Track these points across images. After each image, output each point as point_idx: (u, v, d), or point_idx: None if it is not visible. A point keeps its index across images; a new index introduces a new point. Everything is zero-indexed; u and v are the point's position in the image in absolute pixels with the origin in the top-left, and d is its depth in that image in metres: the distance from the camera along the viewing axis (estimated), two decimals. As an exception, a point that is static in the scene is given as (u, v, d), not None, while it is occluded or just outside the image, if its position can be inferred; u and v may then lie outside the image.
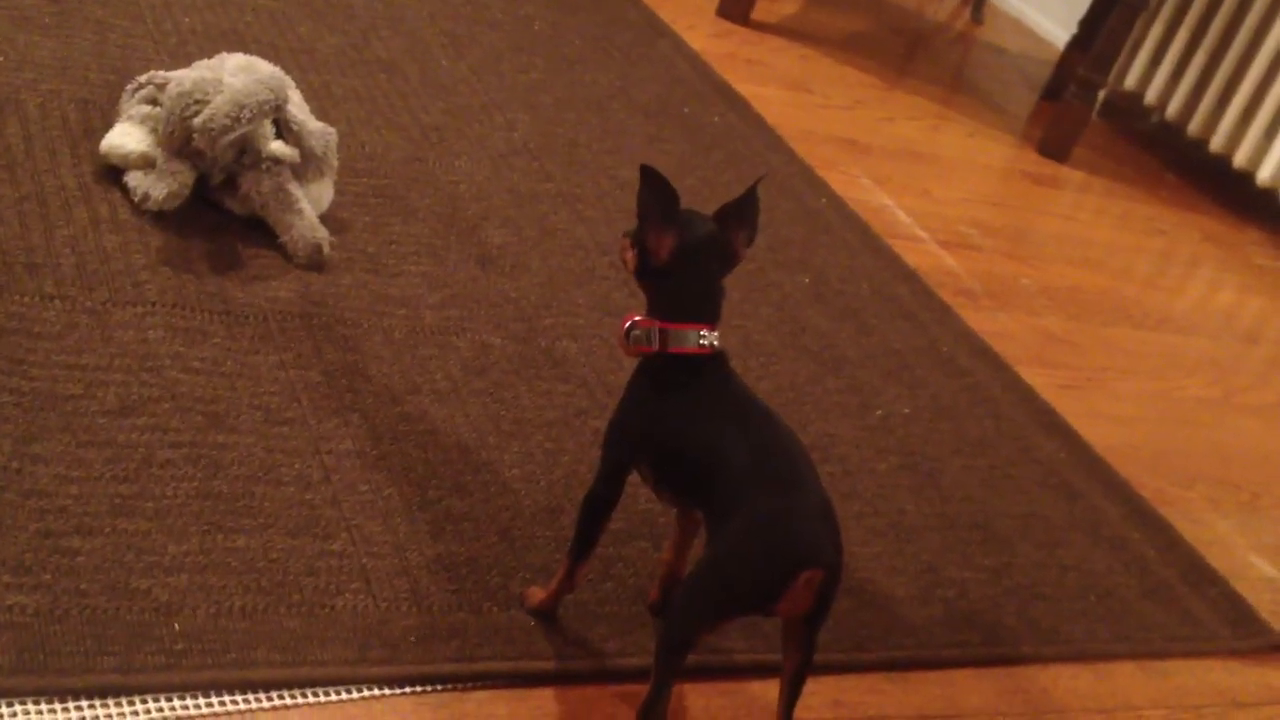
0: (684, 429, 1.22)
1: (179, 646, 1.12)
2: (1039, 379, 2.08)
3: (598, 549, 1.30)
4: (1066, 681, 1.51)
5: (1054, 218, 2.85)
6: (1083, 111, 3.05)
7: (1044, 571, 1.66)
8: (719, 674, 1.32)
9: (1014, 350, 2.14)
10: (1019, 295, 2.38)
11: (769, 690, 1.28)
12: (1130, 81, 3.27)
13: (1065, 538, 1.74)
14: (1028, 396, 2.03)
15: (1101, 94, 3.06)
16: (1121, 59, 3.16)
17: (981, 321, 2.19)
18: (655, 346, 1.23)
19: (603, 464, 1.27)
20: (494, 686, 1.22)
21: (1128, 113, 3.38)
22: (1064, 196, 2.98)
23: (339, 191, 1.80)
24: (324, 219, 1.73)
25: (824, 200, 2.40)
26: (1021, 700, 1.46)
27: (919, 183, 2.69)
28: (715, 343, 1.25)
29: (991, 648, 1.51)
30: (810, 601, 1.14)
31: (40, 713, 1.04)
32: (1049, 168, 3.04)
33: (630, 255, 1.26)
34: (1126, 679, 1.55)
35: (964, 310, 2.20)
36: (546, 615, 1.30)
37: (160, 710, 1.08)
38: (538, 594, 1.30)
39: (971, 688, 1.45)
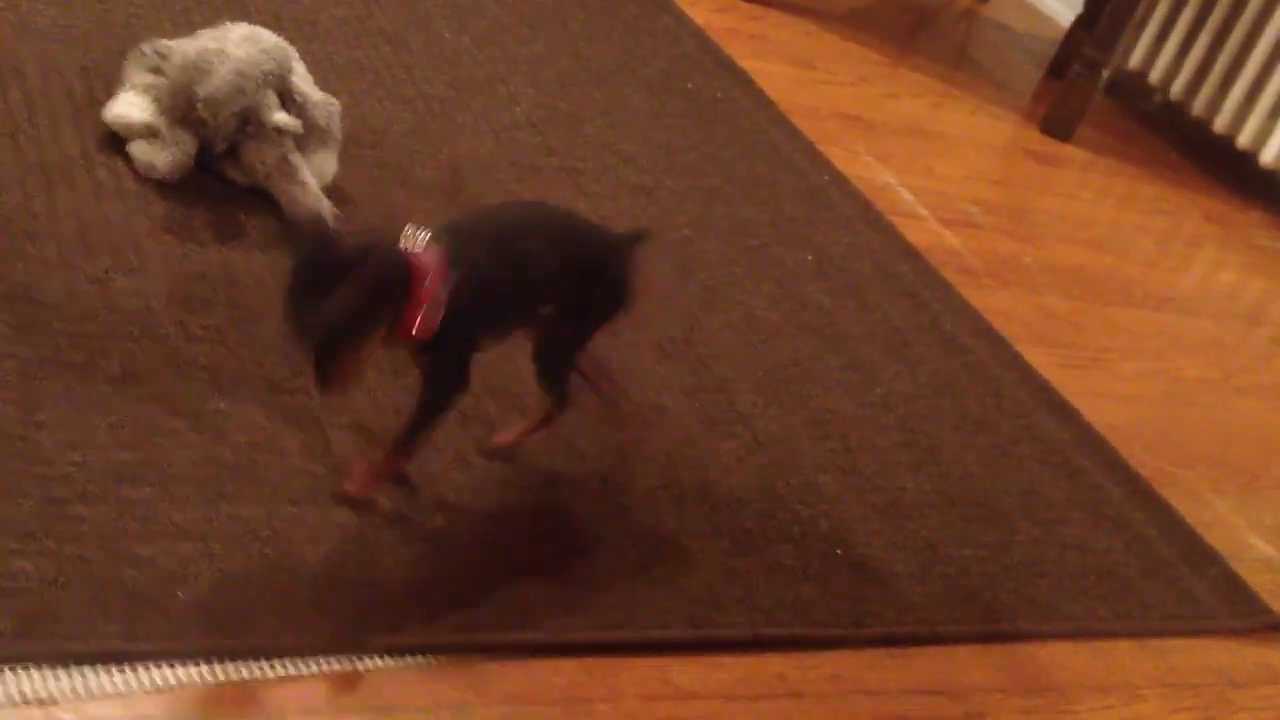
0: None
1: (182, 614, 1.13)
2: (1040, 358, 2.08)
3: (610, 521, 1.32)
4: (1065, 659, 1.52)
5: (1057, 197, 2.84)
6: (1087, 90, 3.04)
7: (1043, 549, 1.66)
8: (716, 649, 1.33)
9: (1015, 329, 2.14)
10: (1021, 274, 2.38)
11: (769, 664, 1.30)
12: (1135, 61, 3.26)
13: (1065, 516, 1.74)
14: (1029, 375, 2.03)
15: (1106, 73, 3.05)
16: (1126, 38, 3.15)
17: (983, 299, 2.19)
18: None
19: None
20: (495, 656, 1.22)
21: (1132, 92, 3.37)
22: (1067, 175, 2.97)
23: (342, 164, 1.79)
24: (327, 191, 1.73)
25: (826, 177, 2.40)
26: (1020, 677, 1.47)
27: (922, 160, 2.68)
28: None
29: (990, 624, 1.51)
30: None
31: (44, 679, 1.04)
32: (1052, 146, 3.03)
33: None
34: (1125, 657, 1.56)
35: (965, 288, 2.20)
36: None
37: (164, 678, 1.08)
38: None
39: (970, 664, 1.45)
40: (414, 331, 1.22)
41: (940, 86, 3.11)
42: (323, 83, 1.84)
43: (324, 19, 2.19)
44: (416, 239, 1.23)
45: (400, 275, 1.20)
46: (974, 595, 1.54)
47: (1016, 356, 2.06)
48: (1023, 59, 3.56)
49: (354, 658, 1.16)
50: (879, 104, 2.87)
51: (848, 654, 1.39)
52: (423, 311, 1.21)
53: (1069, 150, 3.04)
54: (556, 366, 1.42)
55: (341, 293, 1.14)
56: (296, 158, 1.69)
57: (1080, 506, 1.77)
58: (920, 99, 3.00)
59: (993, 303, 2.20)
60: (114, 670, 1.07)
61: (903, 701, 1.37)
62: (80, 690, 1.05)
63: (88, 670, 1.06)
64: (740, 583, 1.41)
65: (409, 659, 1.18)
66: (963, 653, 1.46)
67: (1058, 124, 3.06)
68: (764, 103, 2.58)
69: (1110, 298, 2.45)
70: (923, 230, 2.36)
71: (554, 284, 1.36)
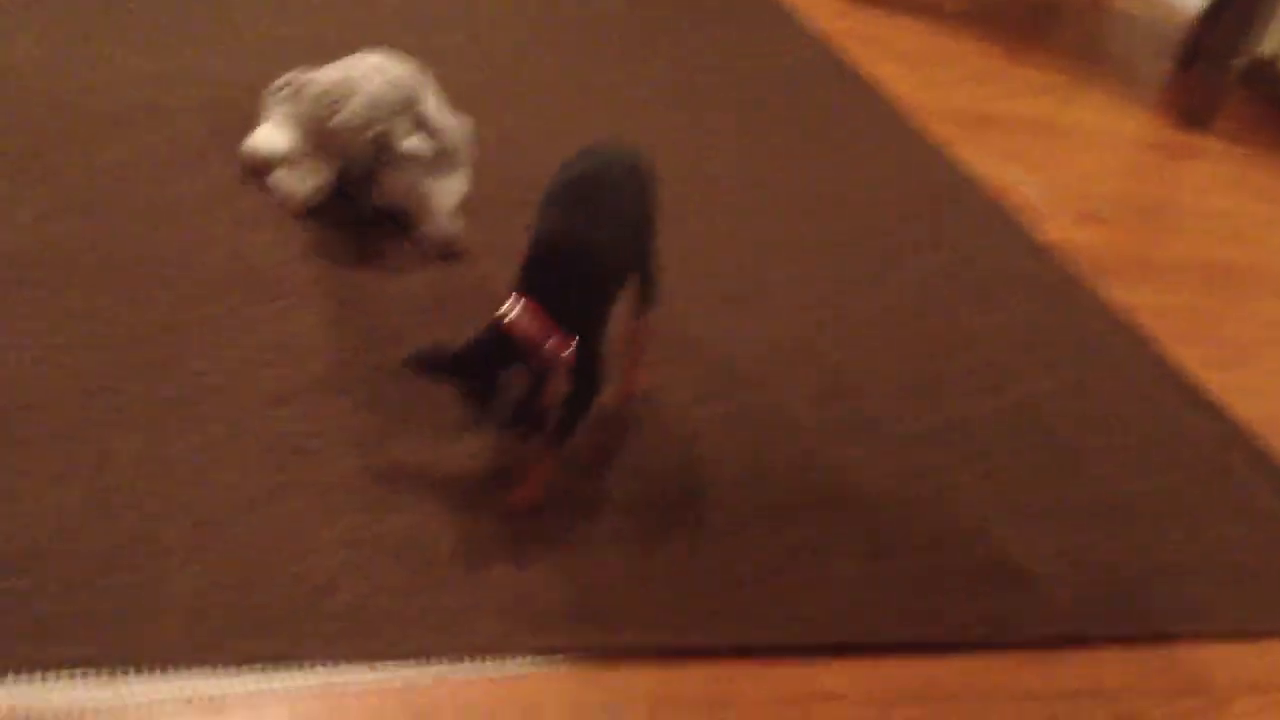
0: None
1: (338, 622, 1.16)
2: (1182, 355, 2.03)
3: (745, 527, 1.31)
4: (1216, 659, 1.48)
5: (1191, 190, 2.77)
6: (1219, 80, 2.96)
7: (1192, 549, 1.62)
8: (858, 652, 1.33)
9: (1154, 326, 2.10)
10: (1156, 270, 2.33)
11: (911, 667, 1.29)
12: (1268, 48, 3.17)
13: (1214, 515, 1.70)
14: (1171, 373, 1.98)
15: (1238, 62, 2.97)
16: (1259, 26, 3.06)
17: (1119, 297, 2.15)
18: None
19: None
20: (640, 659, 1.23)
21: (1266, 79, 3.27)
22: (1201, 168, 2.90)
23: (471, 183, 1.83)
24: (459, 210, 1.77)
25: (952, 178, 2.38)
26: (1170, 678, 1.43)
27: (1050, 157, 2.64)
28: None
29: (1138, 625, 1.48)
30: None
31: (212, 682, 1.09)
32: (1184, 139, 2.96)
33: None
34: (1278, 657, 1.51)
35: (1101, 286, 2.16)
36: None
37: (325, 679, 1.12)
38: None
39: (1117, 665, 1.43)
40: (560, 365, 1.30)
41: (1066, 81, 3.06)
42: (452, 106, 1.88)
43: (451, 42, 2.25)
44: (512, 308, 1.29)
45: (518, 356, 1.29)
46: (1121, 597, 1.51)
47: (1157, 354, 2.02)
48: (1151, 50, 3.48)
49: (504, 660, 1.19)
50: (1004, 101, 2.83)
51: (992, 657, 1.38)
52: (547, 358, 1.29)
53: (1202, 141, 2.96)
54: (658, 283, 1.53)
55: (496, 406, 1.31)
56: (429, 181, 1.73)
57: (1229, 505, 1.72)
58: (1046, 95, 2.96)
59: (1129, 300, 2.16)
60: (278, 673, 1.11)
61: (1051, 704, 1.35)
62: (247, 691, 1.09)
63: (253, 673, 1.10)
64: (879, 587, 1.40)
65: (556, 661, 1.21)
66: (1111, 655, 1.44)
67: (1190, 115, 2.99)
68: (887, 105, 2.57)
69: (1252, 291, 2.38)
70: (1054, 228, 2.32)
71: (653, 222, 1.47)
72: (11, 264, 1.48)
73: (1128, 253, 2.35)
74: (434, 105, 1.80)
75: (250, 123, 1.80)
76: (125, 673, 1.08)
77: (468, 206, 1.80)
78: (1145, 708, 1.38)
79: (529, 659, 1.20)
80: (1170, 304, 2.22)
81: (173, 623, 1.12)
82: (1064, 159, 2.66)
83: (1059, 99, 2.96)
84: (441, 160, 1.77)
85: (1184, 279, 2.33)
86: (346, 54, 1.84)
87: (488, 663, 1.18)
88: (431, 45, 2.22)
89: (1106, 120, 2.95)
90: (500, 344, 1.28)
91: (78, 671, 1.07)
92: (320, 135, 1.71)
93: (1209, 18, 3.26)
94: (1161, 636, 1.48)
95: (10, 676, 1.06)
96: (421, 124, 1.76)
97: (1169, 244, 2.45)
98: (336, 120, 1.68)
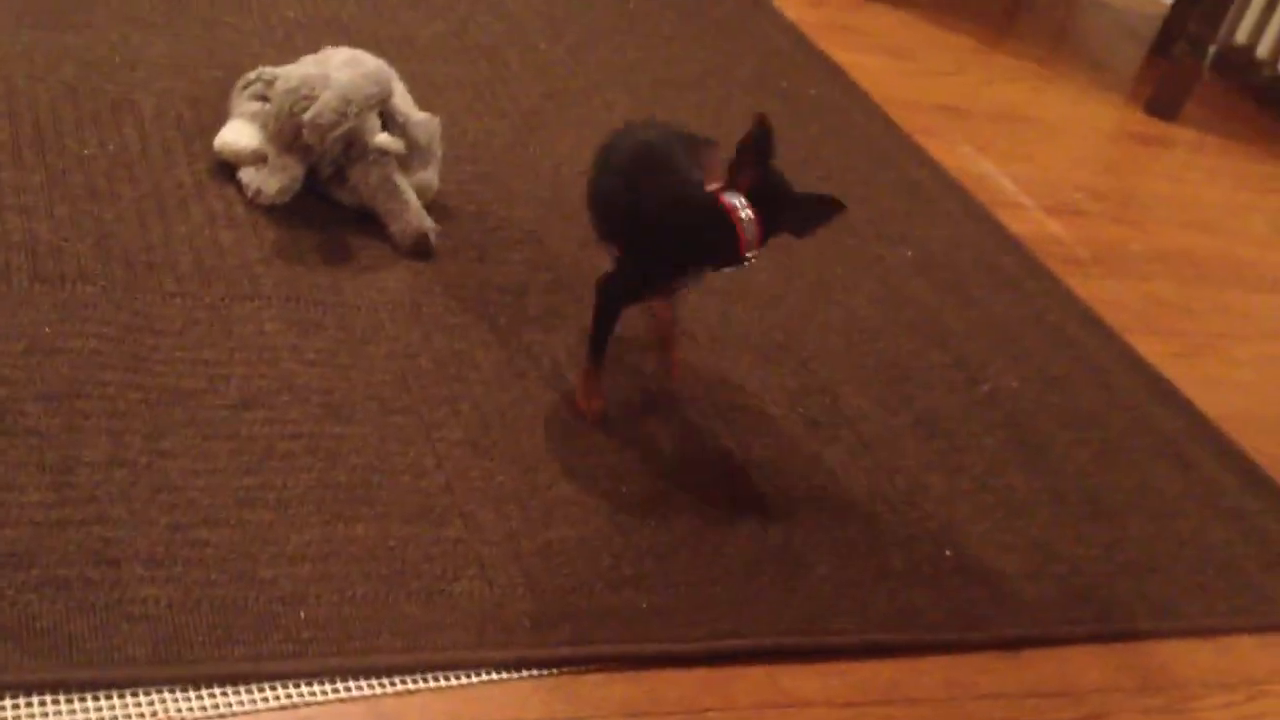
0: None
1: (305, 634, 1.16)
2: (1151, 347, 2.04)
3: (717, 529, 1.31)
4: (1185, 656, 1.49)
5: (1164, 179, 2.78)
6: (1193, 68, 2.97)
7: (1159, 545, 1.63)
8: (828, 656, 1.33)
9: (1125, 318, 2.11)
10: (1129, 261, 2.34)
11: (882, 670, 1.30)
12: (1242, 35, 3.18)
13: (1181, 510, 1.71)
14: (1140, 366, 1.99)
15: (1212, 49, 2.97)
16: (1232, 12, 3.07)
17: (1090, 289, 2.16)
18: None
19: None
20: (608, 669, 1.24)
21: (1240, 67, 3.28)
22: (1174, 157, 2.91)
23: (443, 180, 1.83)
24: (429, 208, 1.76)
25: (925, 170, 2.38)
26: (1139, 676, 1.44)
27: (1022, 148, 2.64)
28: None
29: (1106, 624, 1.49)
30: None
31: (175, 701, 1.08)
32: (1158, 128, 2.96)
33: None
34: (1247, 653, 1.53)
35: (1072, 278, 2.17)
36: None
37: (289, 697, 1.12)
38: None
39: (1087, 664, 1.44)
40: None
41: (1039, 70, 3.06)
42: (422, 100, 1.87)
43: (421, 36, 2.23)
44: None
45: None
46: (1089, 594, 1.52)
47: (1126, 347, 2.03)
48: (1124, 37, 3.49)
49: (470, 673, 1.19)
50: (977, 92, 2.84)
51: (961, 658, 1.39)
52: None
53: (1176, 130, 2.97)
54: None
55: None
56: (399, 178, 1.72)
57: (1195, 499, 1.74)
58: (1019, 84, 2.96)
59: (1100, 292, 2.17)
60: (241, 691, 1.11)
61: (1019, 705, 1.36)
62: (210, 710, 1.09)
63: (217, 691, 1.10)
64: (850, 589, 1.41)
65: (523, 673, 1.21)
66: (1079, 653, 1.45)
67: (1163, 104, 3.00)
68: (859, 97, 2.57)
69: (1223, 281, 2.39)
70: (1026, 220, 2.33)
71: None
72: (-24, 266, 1.46)
73: (1100, 244, 2.36)
74: (403, 100, 1.79)
75: (221, 118, 1.79)
76: (84, 694, 1.06)
77: (438, 204, 1.80)
78: (1113, 706, 1.40)
79: (496, 671, 1.20)
80: (1141, 295, 2.23)
81: (139, 639, 1.11)
82: (1037, 149, 2.67)
83: (1032, 88, 2.96)
84: (412, 156, 1.76)
85: (1155, 269, 2.34)
86: (318, 46, 1.83)
87: (455, 675, 1.18)
88: (413, 37, 2.21)
89: (1080, 109, 2.95)
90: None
91: (34, 693, 1.05)
92: (290, 131, 1.70)
93: (1185, 3, 3.27)
94: (1128, 634, 1.49)
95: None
96: (392, 118, 1.75)
97: (1141, 234, 2.46)
98: (307, 115, 1.66)
